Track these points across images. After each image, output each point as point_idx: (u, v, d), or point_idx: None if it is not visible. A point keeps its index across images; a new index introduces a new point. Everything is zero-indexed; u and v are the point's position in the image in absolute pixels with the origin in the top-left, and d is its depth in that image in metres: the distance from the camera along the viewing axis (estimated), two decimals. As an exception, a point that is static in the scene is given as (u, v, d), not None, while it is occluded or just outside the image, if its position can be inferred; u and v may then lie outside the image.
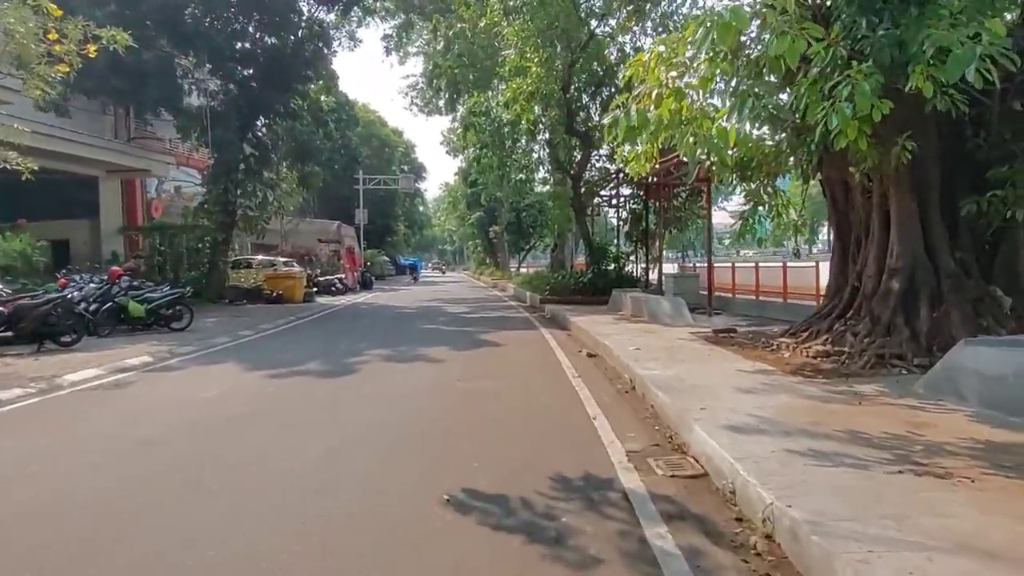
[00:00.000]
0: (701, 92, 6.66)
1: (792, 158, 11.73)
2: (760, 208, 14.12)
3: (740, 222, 14.79)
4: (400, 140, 63.75)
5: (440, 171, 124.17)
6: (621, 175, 23.09)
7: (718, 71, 6.85)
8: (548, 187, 31.73)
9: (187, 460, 5.27)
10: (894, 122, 7.64)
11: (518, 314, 20.07)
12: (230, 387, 8.40)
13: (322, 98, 32.66)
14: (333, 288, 30.74)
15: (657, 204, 21.06)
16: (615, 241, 25.07)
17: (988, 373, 5.64)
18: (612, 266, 22.99)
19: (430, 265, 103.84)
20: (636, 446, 5.57)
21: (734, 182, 13.29)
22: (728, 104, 6.85)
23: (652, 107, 6.55)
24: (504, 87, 20.37)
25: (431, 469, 4.97)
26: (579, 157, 22.56)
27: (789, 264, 14.76)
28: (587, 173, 23.68)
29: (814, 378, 7.53)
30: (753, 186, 13.45)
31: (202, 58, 24.56)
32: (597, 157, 23.63)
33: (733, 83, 7.30)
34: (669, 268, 22.07)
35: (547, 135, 22.73)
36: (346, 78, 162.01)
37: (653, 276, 22.04)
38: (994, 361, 5.61)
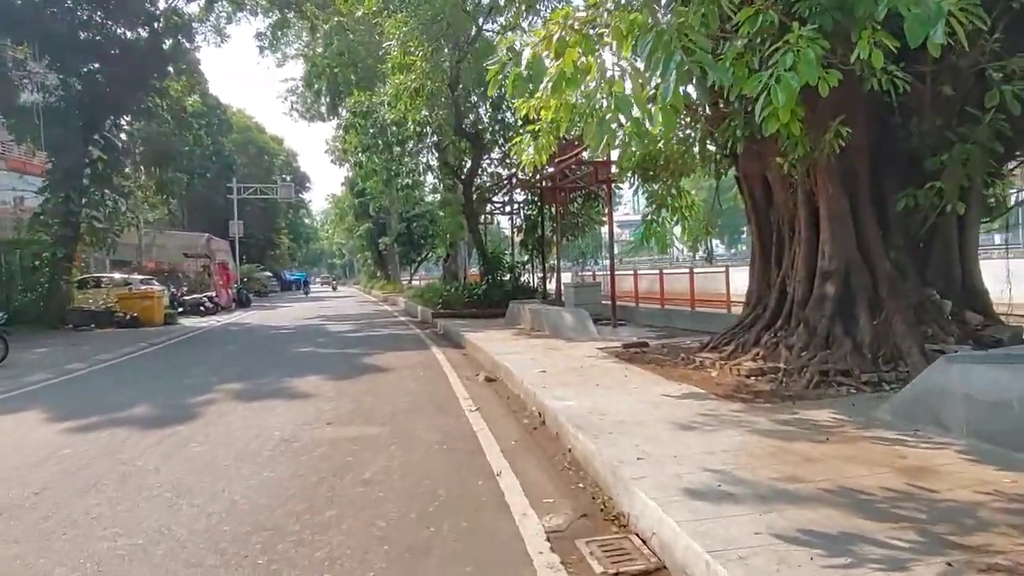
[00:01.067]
0: (615, 47, 5.23)
1: (699, 155, 10.79)
2: (663, 211, 13.23)
3: (643, 224, 13.86)
4: (281, 148, 60.25)
5: (327, 183, 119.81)
6: (514, 179, 21.90)
7: (635, 29, 5.48)
8: (439, 194, 30.12)
9: None
10: (826, 105, 6.67)
11: (408, 331, 18.34)
12: (8, 450, 6.26)
13: (187, 99, 29.65)
14: (202, 308, 27.76)
15: (553, 209, 19.93)
16: (509, 250, 23.84)
17: (984, 398, 4.55)
18: (507, 276, 21.76)
19: (319, 280, 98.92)
20: (558, 520, 4.08)
21: (636, 183, 12.21)
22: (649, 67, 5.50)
23: (551, 56, 5.08)
24: (388, 85, 18.65)
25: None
26: (470, 161, 21.15)
27: (696, 271, 13.89)
28: (479, 178, 22.32)
29: (754, 403, 6.35)
30: (657, 187, 12.51)
31: (37, 48, 21.38)
32: (489, 161, 22.33)
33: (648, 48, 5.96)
34: (566, 277, 20.96)
35: (435, 138, 21.17)
36: (221, 83, 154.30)
37: (551, 286, 20.92)
38: (992, 383, 4.53)
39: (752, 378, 7.33)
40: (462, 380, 9.58)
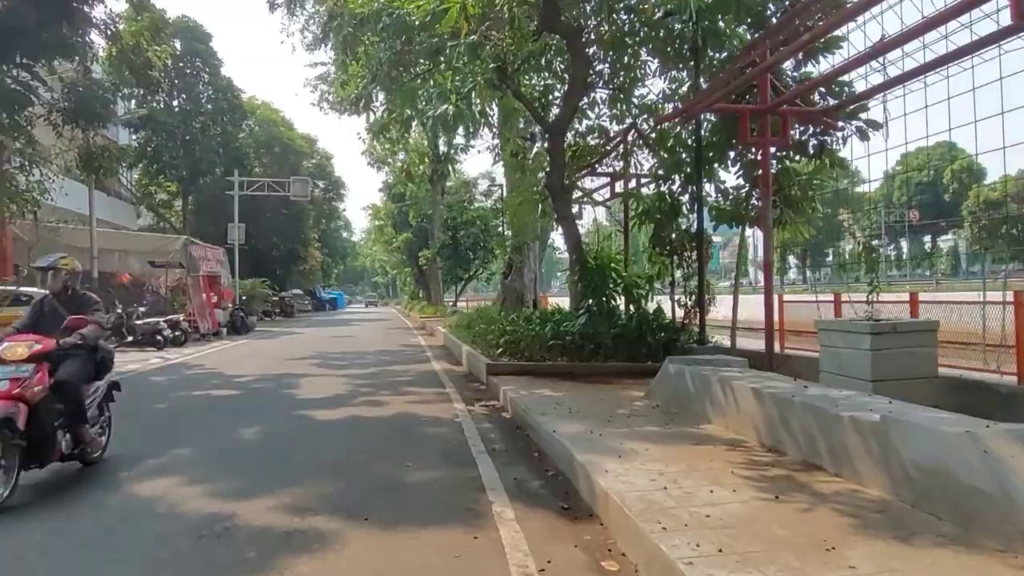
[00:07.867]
0: None
1: None
2: None
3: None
4: (312, 149, 51.92)
5: (369, 194, 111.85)
6: (635, 129, 12.47)
7: None
8: (496, 186, 20.75)
9: None
10: None
11: (438, 410, 8.92)
12: None
13: (151, 47, 21.12)
14: (160, 337, 19.05)
15: (752, 166, 10.48)
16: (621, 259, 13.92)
17: None
18: (618, 301, 11.95)
19: (365, 300, 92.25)
20: None
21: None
22: None
23: None
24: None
25: None
26: (565, 89, 11.84)
27: None
28: (575, 127, 12.91)
29: None
30: None
31: None
32: (594, 101, 12.77)
33: None
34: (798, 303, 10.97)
35: (501, 60, 11.77)
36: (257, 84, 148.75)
37: (711, 321, 11.36)
38: None
39: None
40: None
